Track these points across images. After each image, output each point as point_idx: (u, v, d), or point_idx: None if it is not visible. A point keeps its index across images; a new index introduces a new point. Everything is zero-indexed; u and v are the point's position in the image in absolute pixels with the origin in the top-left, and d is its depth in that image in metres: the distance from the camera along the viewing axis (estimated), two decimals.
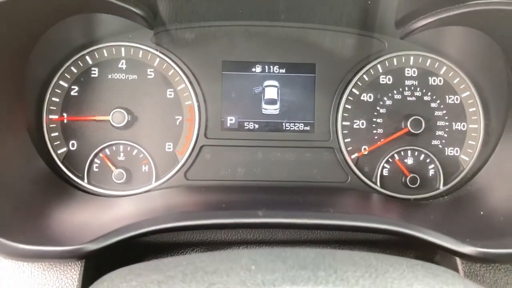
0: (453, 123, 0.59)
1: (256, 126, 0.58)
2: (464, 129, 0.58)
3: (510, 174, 0.53)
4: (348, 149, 0.58)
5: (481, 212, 0.51)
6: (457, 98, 0.59)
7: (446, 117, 0.59)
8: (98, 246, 0.43)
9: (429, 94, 0.58)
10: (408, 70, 0.59)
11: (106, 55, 0.57)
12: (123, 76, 0.57)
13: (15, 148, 0.52)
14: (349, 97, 0.58)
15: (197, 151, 0.57)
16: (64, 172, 0.56)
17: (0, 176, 0.48)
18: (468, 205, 0.55)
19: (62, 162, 0.56)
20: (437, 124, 0.59)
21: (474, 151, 0.58)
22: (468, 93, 0.58)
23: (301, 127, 0.59)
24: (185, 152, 0.57)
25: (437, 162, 0.58)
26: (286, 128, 0.58)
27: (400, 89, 0.58)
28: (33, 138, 0.55)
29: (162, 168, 0.57)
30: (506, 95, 0.56)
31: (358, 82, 0.58)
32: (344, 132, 0.58)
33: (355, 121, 0.58)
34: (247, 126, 0.58)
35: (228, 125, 0.57)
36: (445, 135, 0.59)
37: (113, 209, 0.54)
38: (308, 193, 0.56)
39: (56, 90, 0.56)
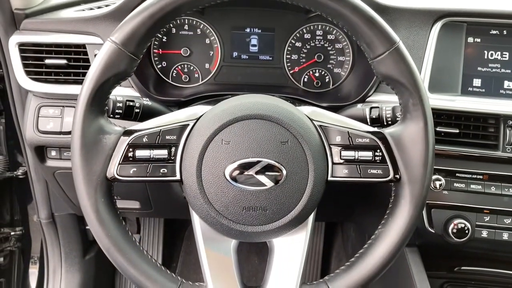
0: (338, 57, 1.09)
1: (246, 57, 1.18)
2: (343, 59, 1.10)
3: (358, 77, 1.05)
4: (288, 68, 1.17)
5: (339, 95, 1.15)
6: (340, 45, 1.09)
7: (335, 54, 1.08)
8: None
9: (327, 43, 1.12)
10: (317, 31, 1.15)
11: (178, 22, 1.17)
12: (186, 32, 1.09)
13: (145, 64, 1.12)
14: (289, 44, 1.14)
15: (219, 68, 1.09)
16: (161, 76, 1.18)
17: (141, 70, 1.06)
18: (340, 92, 1.11)
19: (159, 71, 1.18)
20: (330, 57, 1.08)
21: (347, 70, 1.12)
22: (345, 42, 1.16)
23: (267, 58, 1.12)
24: (214, 68, 1.10)
25: (330, 75, 1.14)
26: (261, 58, 1.14)
27: (313, 40, 1.10)
28: (148, 58, 1.09)
29: (204, 75, 1.09)
30: (356, 45, 1.11)
31: (294, 37, 1.15)
32: (287, 60, 1.16)
33: (292, 55, 1.18)
34: (242, 57, 1.11)
35: (234, 56, 1.08)
36: (334, 63, 1.07)
37: (183, 91, 1.18)
38: (271, 88, 1.18)
39: (156, 39, 1.16)
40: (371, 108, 0.89)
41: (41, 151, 1.02)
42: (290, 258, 0.75)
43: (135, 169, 0.68)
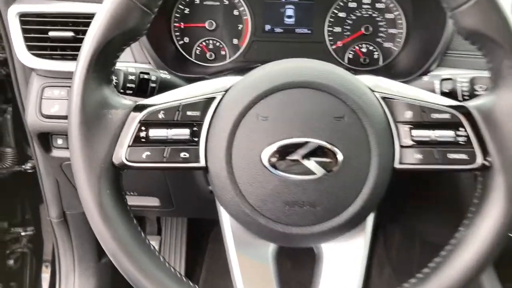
0: (388, 29, 0.96)
1: (281, 30, 1.02)
2: (395, 32, 0.96)
3: (414, 51, 0.93)
4: (331, 43, 1.02)
5: (392, 72, 0.98)
6: (391, 16, 0.95)
7: (385, 26, 0.95)
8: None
9: (376, 13, 0.96)
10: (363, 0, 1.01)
11: None
12: (211, 3, 0.96)
13: (165, 39, 0.98)
14: (331, 14, 1.01)
15: (250, 43, 0.97)
16: (182, 53, 1.04)
17: (160, 46, 0.92)
18: (393, 69, 0.95)
19: (181, 47, 1.03)
20: (379, 29, 0.96)
21: (400, 45, 0.98)
22: (397, 12, 0.98)
23: (306, 31, 0.98)
24: (244, 44, 0.97)
25: (379, 51, 0.97)
26: (297, 31, 0.99)
27: (360, 10, 0.95)
28: (168, 33, 0.98)
29: (232, 52, 0.98)
30: (411, 15, 0.97)
31: (336, 6, 1.00)
32: (328, 33, 1.02)
33: (334, 27, 1.03)
34: (276, 30, 0.98)
35: (266, 29, 0.97)
36: (384, 36, 0.95)
37: (208, 70, 1.03)
38: None
39: (177, 11, 1.02)
40: (442, 80, 0.71)
41: (45, 139, 0.90)
42: (345, 269, 0.59)
43: (148, 153, 0.55)
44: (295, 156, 0.53)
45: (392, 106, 0.58)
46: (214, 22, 0.95)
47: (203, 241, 1.64)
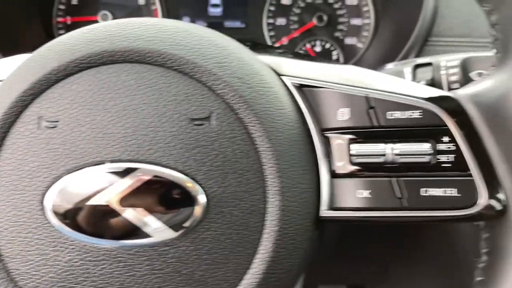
0: (351, 19, 0.75)
1: (205, 24, 0.76)
2: (360, 24, 0.76)
3: (384, 43, 0.71)
4: (272, 39, 0.77)
5: None
6: (354, 0, 0.76)
7: (346, 15, 0.75)
8: None
9: None
10: None
11: None
12: None
13: (40, 37, 0.73)
14: (271, 2, 0.78)
15: None
16: None
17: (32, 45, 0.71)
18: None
19: None
20: (339, 20, 0.75)
21: (367, 40, 0.77)
22: None
23: (238, 25, 0.75)
24: None
25: (339, 49, 0.76)
26: (227, 25, 0.75)
27: None
28: (47, 35, 0.76)
29: None
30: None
31: None
32: (268, 27, 0.77)
33: (278, 18, 0.77)
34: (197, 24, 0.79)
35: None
36: (345, 29, 0.75)
37: None
38: None
39: (61, 0, 0.78)
40: (415, 66, 0.44)
41: None
42: None
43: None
44: (105, 199, 0.28)
45: (316, 101, 0.31)
46: (109, 14, 0.76)
47: None
